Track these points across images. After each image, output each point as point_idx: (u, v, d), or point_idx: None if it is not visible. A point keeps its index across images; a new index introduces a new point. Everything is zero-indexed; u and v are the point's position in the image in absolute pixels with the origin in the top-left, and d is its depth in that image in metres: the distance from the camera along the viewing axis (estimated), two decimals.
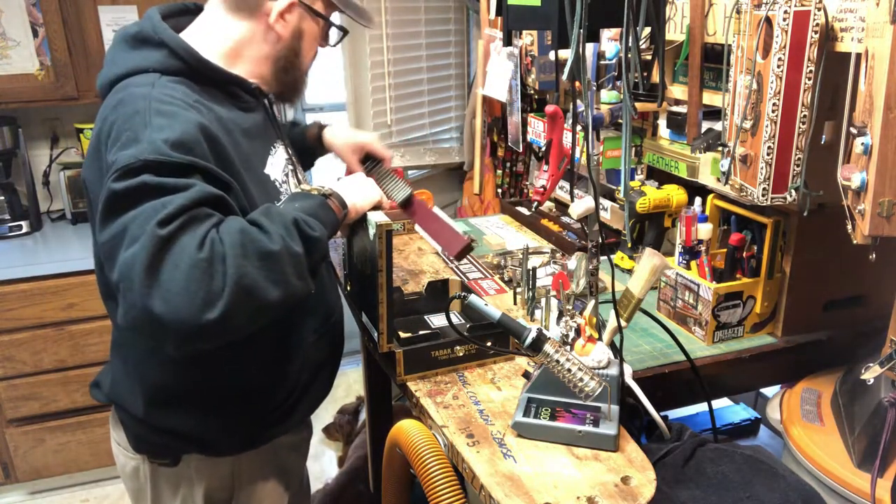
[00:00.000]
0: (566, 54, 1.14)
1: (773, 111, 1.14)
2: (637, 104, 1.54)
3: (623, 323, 1.17)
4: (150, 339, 1.09)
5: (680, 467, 1.18)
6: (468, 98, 3.21)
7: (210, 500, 1.32)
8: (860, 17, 1.06)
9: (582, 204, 1.19)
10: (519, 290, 1.58)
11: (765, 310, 1.50)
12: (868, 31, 1.00)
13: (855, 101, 1.06)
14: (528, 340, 1.04)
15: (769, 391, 2.04)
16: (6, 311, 2.37)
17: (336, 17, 1.35)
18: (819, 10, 1.10)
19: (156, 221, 0.93)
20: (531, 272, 1.52)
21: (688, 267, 1.54)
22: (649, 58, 1.63)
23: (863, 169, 1.02)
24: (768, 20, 1.13)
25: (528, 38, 2.28)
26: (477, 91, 2.89)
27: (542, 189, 1.31)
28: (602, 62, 1.80)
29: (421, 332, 1.31)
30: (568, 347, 1.14)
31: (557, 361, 1.04)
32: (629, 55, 1.27)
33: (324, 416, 2.93)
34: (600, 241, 1.21)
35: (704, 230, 1.50)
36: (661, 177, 1.78)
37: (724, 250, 1.51)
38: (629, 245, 1.80)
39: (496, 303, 1.58)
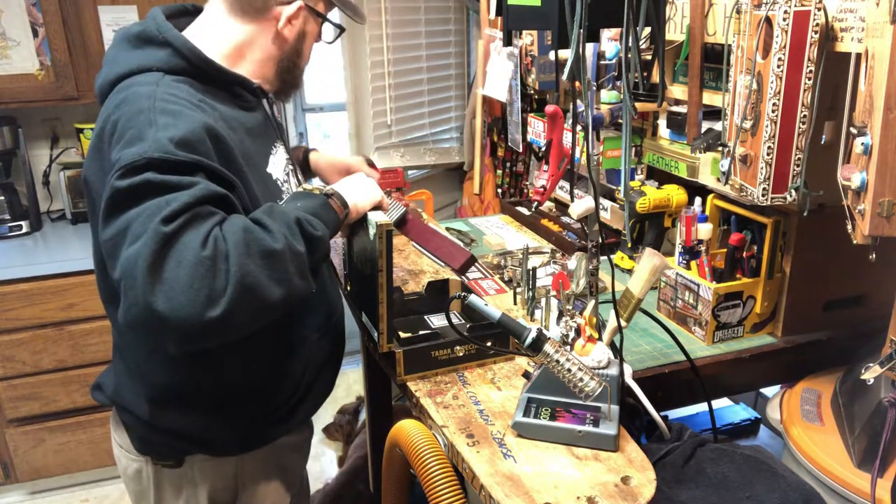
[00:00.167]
0: (566, 54, 1.14)
1: (773, 111, 1.14)
2: (637, 104, 1.54)
3: (623, 323, 1.17)
4: (151, 337, 1.08)
5: (680, 467, 1.18)
6: (468, 98, 3.21)
7: (214, 502, 1.32)
8: (860, 17, 1.06)
9: (582, 204, 1.19)
10: (519, 290, 1.58)
11: (765, 310, 1.50)
12: (868, 31, 1.00)
13: (855, 101, 1.06)
14: (528, 340, 1.04)
15: (769, 391, 2.04)
16: (6, 311, 2.37)
17: (335, 15, 1.36)
18: (819, 10, 1.10)
19: (159, 219, 0.93)
20: (531, 272, 1.52)
21: (688, 267, 1.54)
22: (649, 58, 1.63)
23: (863, 169, 1.02)
24: (768, 20, 1.13)
25: (528, 38, 2.28)
26: (477, 91, 2.89)
27: (542, 189, 1.31)
28: (602, 62, 1.80)
29: (421, 332, 1.31)
30: (568, 347, 1.14)
31: (557, 361, 1.04)
32: (629, 55, 1.27)
33: (324, 416, 2.93)
34: (600, 241, 1.21)
35: (704, 230, 1.50)
36: (661, 177, 1.78)
37: (724, 250, 1.51)
38: (629, 245, 1.80)
39: (496, 303, 1.58)
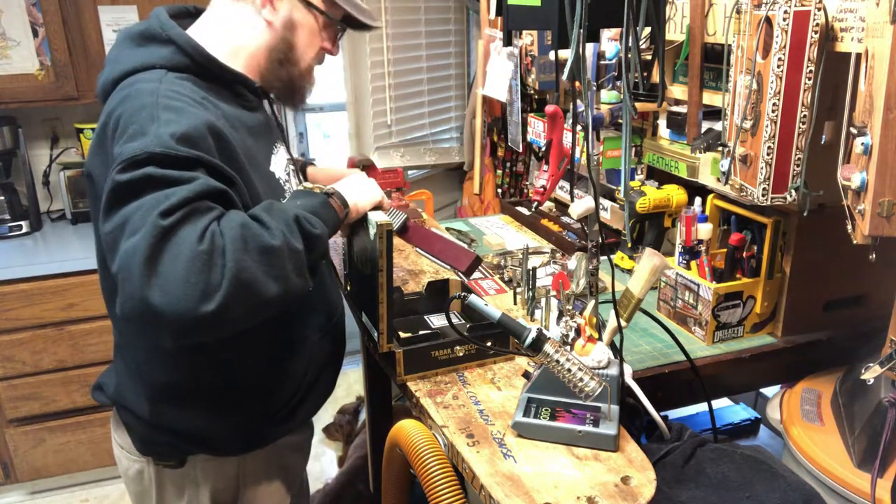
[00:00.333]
0: (566, 54, 1.14)
1: (773, 111, 1.14)
2: (637, 104, 1.54)
3: (623, 323, 1.17)
4: (146, 330, 1.08)
5: (680, 467, 1.18)
6: (468, 98, 3.21)
7: (216, 502, 1.32)
8: (860, 17, 1.06)
9: (582, 204, 1.19)
10: (519, 290, 1.58)
11: (765, 310, 1.50)
12: (868, 31, 1.00)
13: (855, 101, 1.06)
14: (528, 340, 1.04)
15: (769, 391, 2.04)
16: (6, 311, 2.37)
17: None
18: (819, 10, 1.10)
19: (158, 212, 0.93)
20: (531, 272, 1.52)
21: (688, 267, 1.54)
22: (649, 58, 1.63)
23: (863, 169, 1.02)
24: (768, 20, 1.13)
25: (528, 38, 2.28)
26: (477, 91, 2.89)
27: (542, 189, 1.31)
28: (602, 62, 1.80)
29: (421, 332, 1.31)
30: (568, 347, 1.14)
31: (557, 361, 1.04)
32: (629, 55, 1.27)
33: (324, 416, 2.93)
34: (600, 241, 1.21)
35: (704, 230, 1.50)
36: (661, 177, 1.78)
37: (724, 250, 1.51)
38: (629, 245, 1.80)
39: (496, 303, 1.58)
